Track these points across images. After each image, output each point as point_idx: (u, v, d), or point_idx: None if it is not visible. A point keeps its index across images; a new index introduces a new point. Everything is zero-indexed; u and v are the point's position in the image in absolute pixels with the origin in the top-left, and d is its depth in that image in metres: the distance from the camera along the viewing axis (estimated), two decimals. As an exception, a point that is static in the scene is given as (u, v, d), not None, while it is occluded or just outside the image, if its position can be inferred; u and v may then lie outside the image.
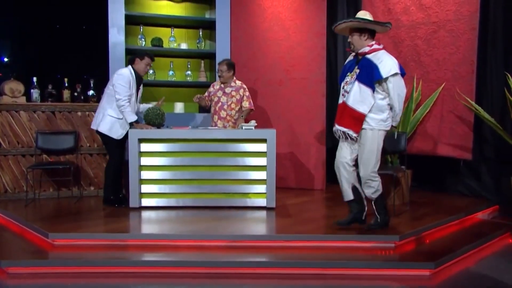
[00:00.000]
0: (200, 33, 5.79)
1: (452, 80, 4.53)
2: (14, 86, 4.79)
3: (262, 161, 4.29)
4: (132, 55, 4.48)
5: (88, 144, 4.93)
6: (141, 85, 4.52)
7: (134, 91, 4.30)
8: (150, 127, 4.30)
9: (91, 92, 5.01)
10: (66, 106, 4.88)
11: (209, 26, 5.82)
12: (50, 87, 4.96)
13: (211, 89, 4.92)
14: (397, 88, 3.31)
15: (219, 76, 4.81)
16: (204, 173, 4.30)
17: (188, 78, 5.76)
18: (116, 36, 5.27)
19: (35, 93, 4.90)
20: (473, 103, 4.32)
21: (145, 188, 4.28)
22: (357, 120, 3.35)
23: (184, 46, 5.70)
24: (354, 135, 3.39)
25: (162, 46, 5.57)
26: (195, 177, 4.31)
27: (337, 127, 3.46)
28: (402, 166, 4.53)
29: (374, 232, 3.48)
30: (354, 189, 3.53)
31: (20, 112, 4.76)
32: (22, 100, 4.82)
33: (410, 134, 4.68)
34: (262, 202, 4.32)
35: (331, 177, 5.67)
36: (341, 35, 5.74)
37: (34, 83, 4.90)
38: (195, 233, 3.50)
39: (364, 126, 3.38)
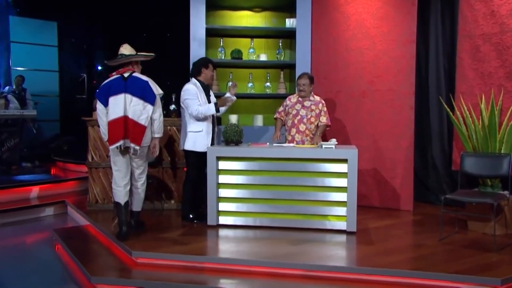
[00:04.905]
0: (280, 43, 5.67)
1: None
2: (104, 102, 5.07)
3: (342, 182, 4.05)
4: (194, 67, 4.44)
5: (169, 158, 5.06)
6: (211, 93, 4.51)
7: (204, 101, 4.29)
8: (231, 98, 4.38)
9: (172, 107, 5.13)
10: (150, 121, 5.04)
11: (289, 35, 5.68)
12: (136, 102, 5.16)
13: (287, 102, 4.76)
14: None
15: (300, 90, 4.63)
16: (282, 193, 4.18)
17: (268, 90, 5.68)
18: (197, 50, 5.35)
19: (123, 108, 5.13)
20: None
21: (222, 206, 4.27)
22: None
23: (263, 57, 5.63)
24: (137, 147, 3.81)
25: (241, 58, 5.55)
26: (272, 197, 4.20)
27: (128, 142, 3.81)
28: (505, 191, 4.01)
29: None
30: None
31: (109, 127, 5.02)
32: (111, 115, 5.08)
33: (515, 155, 4.10)
34: (342, 225, 4.08)
35: (419, 197, 5.27)
36: (434, 42, 5.32)
37: (122, 98, 5.14)
38: (272, 259, 3.39)
39: None
